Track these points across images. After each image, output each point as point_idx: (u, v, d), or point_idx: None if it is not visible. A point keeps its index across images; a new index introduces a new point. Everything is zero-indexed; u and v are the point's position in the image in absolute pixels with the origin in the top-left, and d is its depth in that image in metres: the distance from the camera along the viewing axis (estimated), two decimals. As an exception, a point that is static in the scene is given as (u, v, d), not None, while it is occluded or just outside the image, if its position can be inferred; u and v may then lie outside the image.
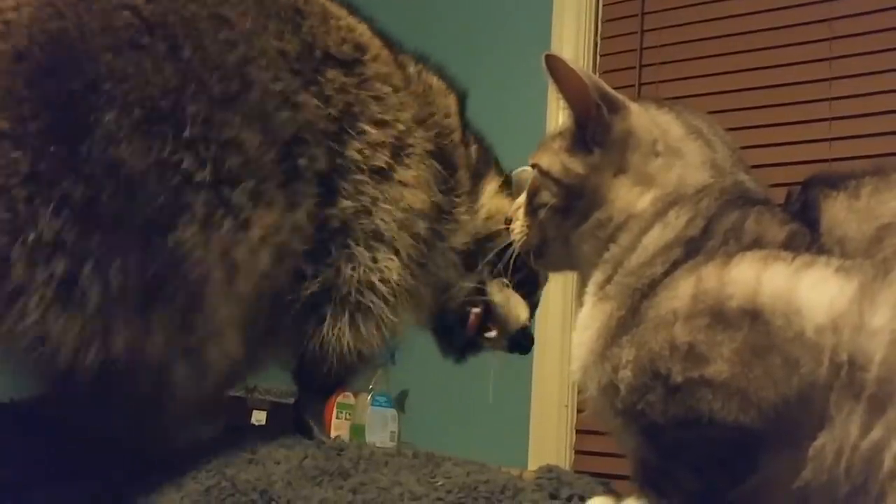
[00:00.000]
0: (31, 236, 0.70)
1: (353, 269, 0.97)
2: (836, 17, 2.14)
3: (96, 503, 0.76)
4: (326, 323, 0.96)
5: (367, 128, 0.98)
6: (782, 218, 0.69)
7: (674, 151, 0.77)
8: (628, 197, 0.76)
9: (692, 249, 0.69)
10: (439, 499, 0.74)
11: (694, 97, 2.25)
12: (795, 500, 0.61)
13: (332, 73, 0.95)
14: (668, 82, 2.34)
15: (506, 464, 0.89)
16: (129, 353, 0.74)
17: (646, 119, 0.79)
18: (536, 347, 2.32)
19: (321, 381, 1.00)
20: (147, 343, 0.75)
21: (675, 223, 0.72)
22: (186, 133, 0.77)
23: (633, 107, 0.79)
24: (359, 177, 0.97)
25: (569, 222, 0.79)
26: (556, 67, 0.79)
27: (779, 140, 2.11)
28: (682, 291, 0.66)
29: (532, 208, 0.83)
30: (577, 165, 0.78)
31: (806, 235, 0.67)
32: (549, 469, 0.82)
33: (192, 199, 0.77)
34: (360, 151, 0.97)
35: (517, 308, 1.18)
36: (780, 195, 0.75)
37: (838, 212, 0.66)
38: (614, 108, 0.78)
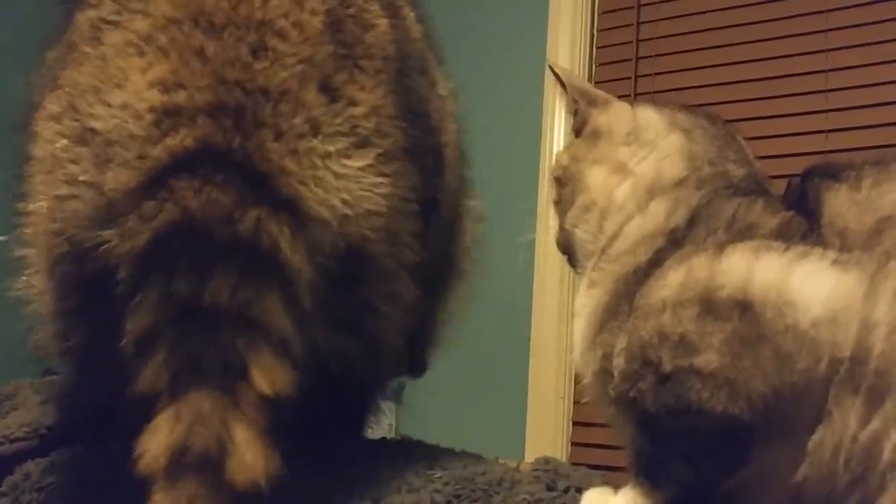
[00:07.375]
0: None
1: None
2: (832, 9, 2.14)
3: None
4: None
5: None
6: (775, 207, 0.70)
7: (647, 142, 0.79)
8: (605, 184, 0.79)
9: (678, 238, 0.70)
10: (436, 490, 0.74)
11: (690, 89, 2.26)
12: (792, 492, 0.62)
13: None
14: (664, 74, 2.35)
15: (503, 456, 0.89)
16: None
17: (625, 113, 0.82)
18: (533, 339, 2.34)
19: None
20: None
21: (655, 214, 0.73)
22: None
23: (617, 104, 0.84)
24: None
25: (560, 208, 0.83)
26: (554, 75, 0.89)
27: (774, 132, 2.12)
28: (671, 280, 0.66)
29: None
30: (563, 158, 0.85)
31: (802, 224, 0.67)
32: (546, 461, 0.82)
33: None
34: None
35: None
36: (775, 187, 0.75)
37: (840, 204, 0.66)
38: (593, 103, 0.84)
